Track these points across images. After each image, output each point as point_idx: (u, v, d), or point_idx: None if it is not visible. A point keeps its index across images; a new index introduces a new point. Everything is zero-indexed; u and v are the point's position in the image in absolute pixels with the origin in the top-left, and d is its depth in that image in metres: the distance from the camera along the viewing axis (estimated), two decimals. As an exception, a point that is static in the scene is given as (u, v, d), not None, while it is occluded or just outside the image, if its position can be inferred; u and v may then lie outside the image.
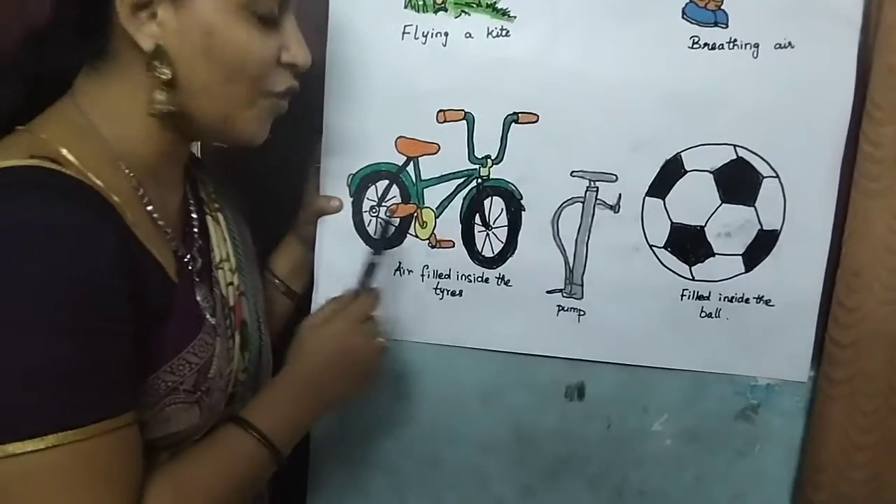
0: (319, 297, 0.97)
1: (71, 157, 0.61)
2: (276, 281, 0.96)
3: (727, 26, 0.88)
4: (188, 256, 0.72)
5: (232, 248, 0.81)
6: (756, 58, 0.88)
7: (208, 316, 0.70)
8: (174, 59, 0.63)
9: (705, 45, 0.88)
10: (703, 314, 0.94)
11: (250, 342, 0.79)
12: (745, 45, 0.88)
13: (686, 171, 0.91)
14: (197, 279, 0.72)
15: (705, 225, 0.91)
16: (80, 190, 0.58)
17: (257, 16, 0.65)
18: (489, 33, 0.91)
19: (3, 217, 0.53)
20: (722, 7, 0.87)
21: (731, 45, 0.88)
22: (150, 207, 0.67)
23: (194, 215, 0.78)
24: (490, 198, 0.94)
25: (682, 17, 0.88)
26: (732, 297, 0.93)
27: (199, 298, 0.70)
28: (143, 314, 0.60)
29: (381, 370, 0.84)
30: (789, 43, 0.88)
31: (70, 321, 0.54)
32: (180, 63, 0.63)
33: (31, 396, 0.53)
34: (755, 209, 0.91)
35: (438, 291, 0.97)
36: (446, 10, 0.91)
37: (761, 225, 0.91)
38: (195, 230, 0.77)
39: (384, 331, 0.85)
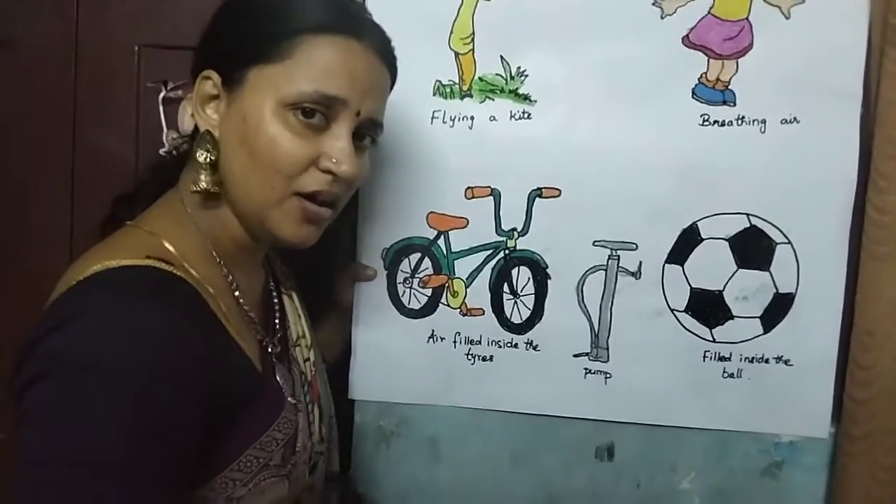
0: (357, 365, 1.02)
1: (175, 253, 0.67)
2: None
3: (735, 104, 0.94)
4: (269, 341, 0.77)
5: (306, 325, 0.87)
6: (764, 133, 0.94)
7: (287, 395, 0.74)
8: (221, 144, 0.70)
9: (715, 122, 0.95)
10: (726, 374, 0.98)
11: (325, 412, 0.84)
12: (753, 121, 0.94)
13: (702, 239, 0.96)
14: (275, 361, 0.77)
15: (723, 289, 0.96)
16: (184, 293, 0.64)
17: (300, 118, 0.68)
18: (512, 116, 0.97)
19: (113, 316, 0.58)
20: (729, 87, 0.94)
21: (740, 121, 0.94)
22: (239, 296, 0.74)
23: (276, 298, 0.84)
24: (517, 267, 1.00)
25: (693, 98, 0.95)
26: (753, 358, 0.97)
27: (279, 379, 0.75)
28: (229, 404, 0.65)
29: None
30: (795, 118, 0.94)
31: (147, 422, 0.56)
32: (223, 148, 0.70)
33: (90, 487, 0.55)
34: (770, 274, 0.96)
35: (470, 357, 1.01)
36: (472, 97, 0.98)
37: (777, 288, 0.96)
38: (276, 312, 0.82)
39: None
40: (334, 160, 0.70)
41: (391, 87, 0.79)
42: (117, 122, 1.15)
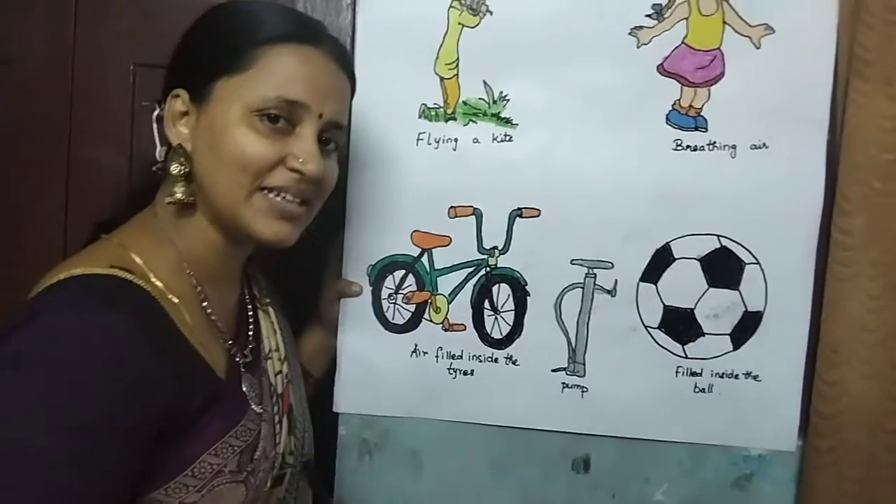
0: (341, 379, 1.05)
1: (140, 263, 0.71)
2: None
3: (707, 130, 0.98)
4: (237, 351, 0.80)
5: (281, 340, 0.90)
6: (734, 158, 0.98)
7: (253, 404, 0.78)
8: (192, 156, 0.74)
9: (688, 146, 0.99)
10: (697, 389, 1.01)
11: (296, 425, 0.87)
12: (724, 146, 0.98)
13: (675, 259, 1.00)
14: (244, 370, 0.80)
15: (695, 307, 1.00)
16: (138, 301, 0.67)
17: (266, 123, 0.73)
18: (494, 139, 1.01)
19: (58, 318, 0.62)
20: (701, 113, 0.98)
21: (711, 146, 0.98)
22: (207, 308, 0.77)
23: (250, 311, 0.87)
24: (498, 285, 1.03)
25: (666, 123, 0.99)
26: (723, 374, 1.01)
27: (245, 388, 0.78)
28: (185, 408, 0.68)
29: None
30: (764, 144, 0.98)
31: (82, 417, 0.60)
32: (195, 158, 0.74)
33: (22, 475, 0.57)
34: (740, 293, 1.00)
35: (452, 371, 1.05)
36: (455, 119, 1.01)
37: (746, 307, 1.00)
38: (250, 324, 0.86)
39: None
40: (301, 160, 0.74)
41: (352, 94, 0.85)
42: (112, 138, 1.18)
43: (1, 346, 0.61)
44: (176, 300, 0.71)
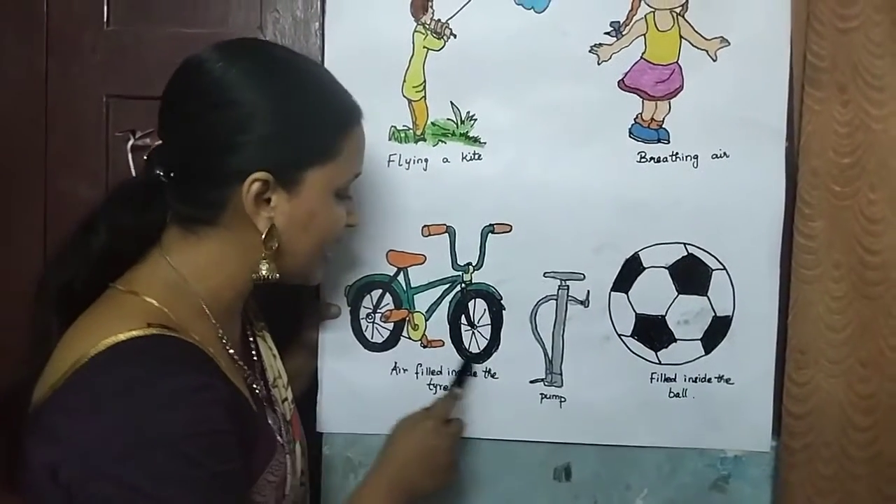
0: (324, 399, 1.06)
1: (170, 314, 0.70)
2: None
3: (669, 142, 1.01)
4: (258, 385, 0.81)
5: (281, 364, 0.91)
6: (696, 167, 1.01)
7: (277, 436, 0.78)
8: (280, 234, 0.75)
9: (651, 158, 1.02)
10: (672, 394, 1.04)
11: (304, 450, 0.87)
12: (686, 156, 1.01)
13: (644, 268, 1.03)
14: (266, 404, 0.80)
15: (665, 314, 1.03)
16: (195, 355, 0.68)
17: (342, 195, 0.80)
18: (463, 158, 1.03)
19: (145, 388, 0.62)
20: (663, 126, 1.01)
21: (674, 157, 1.01)
22: (228, 346, 0.77)
23: (251, 339, 0.88)
24: (473, 300, 1.05)
25: (629, 136, 1.01)
26: (696, 378, 1.03)
27: (270, 421, 0.79)
28: (241, 447, 0.68)
29: (458, 466, 0.96)
30: (724, 153, 1.01)
31: (212, 474, 0.62)
32: (284, 237, 0.76)
33: None
34: (708, 298, 1.02)
35: (431, 387, 1.06)
36: (425, 140, 1.04)
37: (715, 312, 1.02)
38: (253, 355, 0.87)
39: (462, 429, 0.96)
40: (353, 216, 0.86)
41: None
42: (87, 169, 1.19)
43: (101, 438, 0.61)
44: (211, 350, 0.71)
